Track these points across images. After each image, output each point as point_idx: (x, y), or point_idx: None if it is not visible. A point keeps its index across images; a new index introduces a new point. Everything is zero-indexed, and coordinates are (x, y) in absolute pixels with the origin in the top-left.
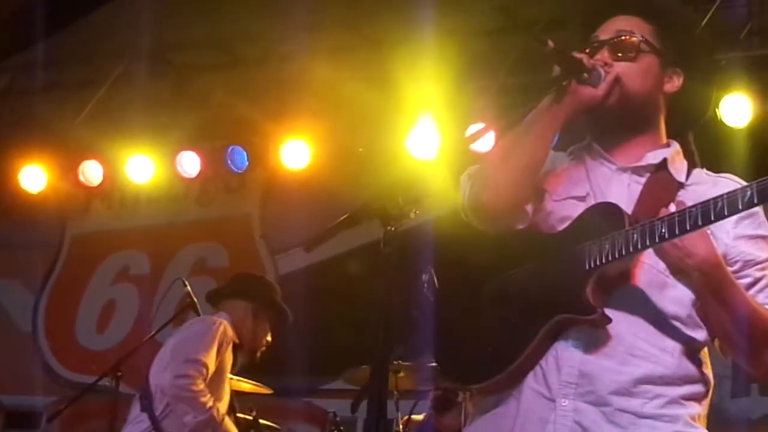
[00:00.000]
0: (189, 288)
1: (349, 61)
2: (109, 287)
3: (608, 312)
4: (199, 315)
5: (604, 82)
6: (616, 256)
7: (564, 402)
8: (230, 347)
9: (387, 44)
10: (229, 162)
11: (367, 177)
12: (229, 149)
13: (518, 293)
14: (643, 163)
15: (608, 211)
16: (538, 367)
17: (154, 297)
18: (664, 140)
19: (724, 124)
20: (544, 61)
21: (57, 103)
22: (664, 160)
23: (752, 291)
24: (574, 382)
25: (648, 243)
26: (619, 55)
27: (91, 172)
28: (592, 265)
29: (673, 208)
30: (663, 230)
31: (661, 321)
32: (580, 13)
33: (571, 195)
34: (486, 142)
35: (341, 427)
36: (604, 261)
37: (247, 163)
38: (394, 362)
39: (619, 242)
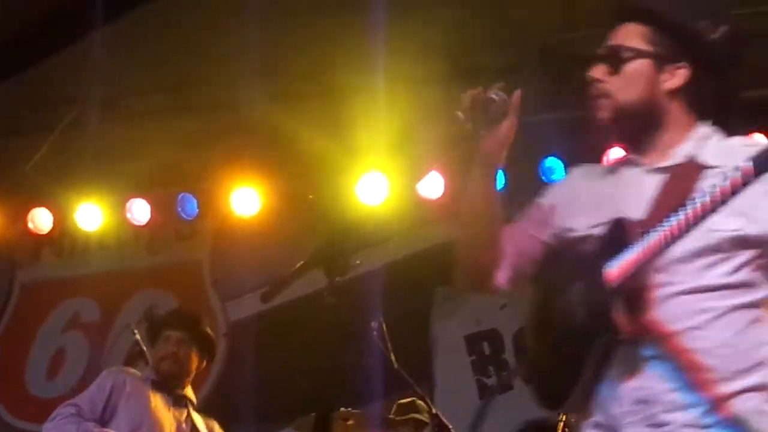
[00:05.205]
0: (138, 336)
1: (299, 108)
2: (59, 335)
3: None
4: (148, 363)
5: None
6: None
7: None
8: (147, 388)
9: (339, 91)
10: (180, 209)
11: (317, 224)
12: (180, 196)
13: (565, 322)
14: (668, 163)
15: (620, 226)
16: (595, 399)
17: (104, 344)
18: (688, 132)
19: None
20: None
21: (8, 151)
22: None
23: None
24: (631, 409)
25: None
26: (610, 69)
27: (41, 219)
28: (615, 283)
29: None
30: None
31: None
32: (529, 60)
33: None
34: (434, 189)
35: None
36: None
37: (197, 211)
38: (342, 409)
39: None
